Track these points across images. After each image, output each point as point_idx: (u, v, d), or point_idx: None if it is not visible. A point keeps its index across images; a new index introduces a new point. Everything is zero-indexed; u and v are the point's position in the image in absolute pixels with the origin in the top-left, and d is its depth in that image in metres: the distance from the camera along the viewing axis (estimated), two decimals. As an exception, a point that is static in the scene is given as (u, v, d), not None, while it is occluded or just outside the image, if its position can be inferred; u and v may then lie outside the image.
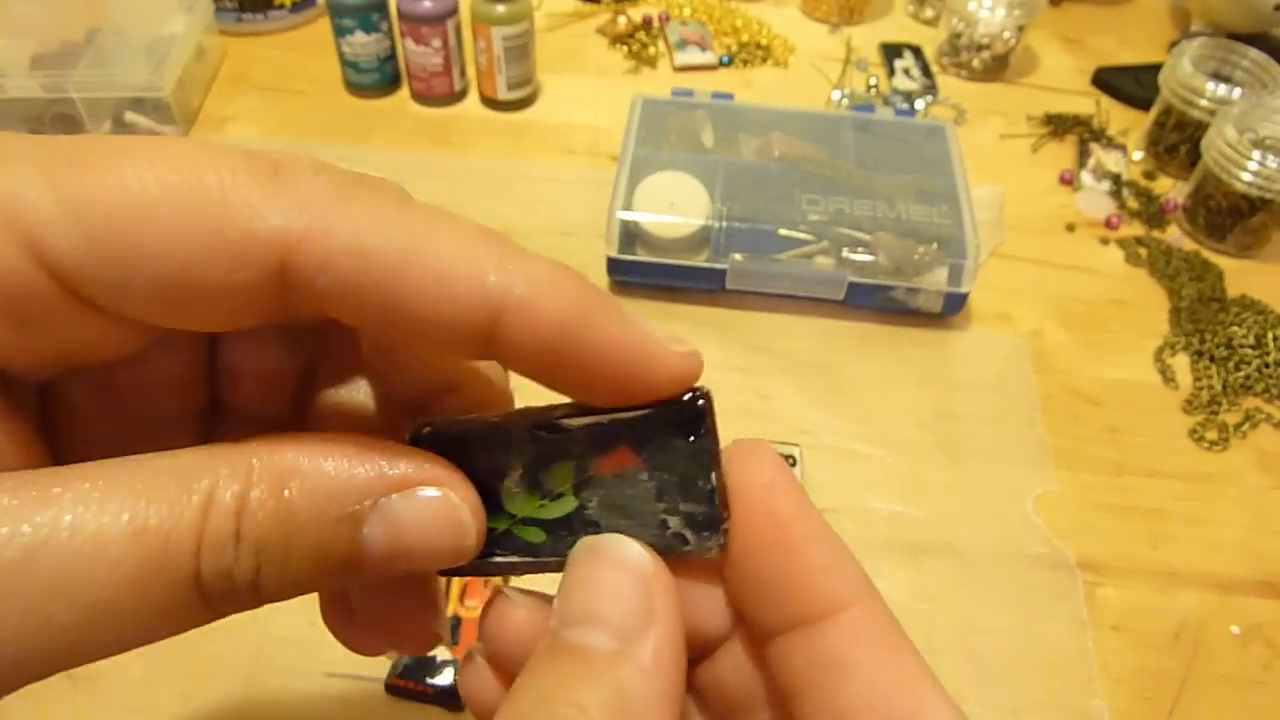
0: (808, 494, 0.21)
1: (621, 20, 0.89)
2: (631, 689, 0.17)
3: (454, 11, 0.75)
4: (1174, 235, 0.73)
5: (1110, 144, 0.80)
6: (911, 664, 0.19)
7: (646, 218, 0.61)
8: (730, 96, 0.72)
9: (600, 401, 0.20)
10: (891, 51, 0.89)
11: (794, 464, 0.54)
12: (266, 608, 0.18)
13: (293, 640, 0.46)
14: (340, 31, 0.76)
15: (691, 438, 0.19)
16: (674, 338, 0.20)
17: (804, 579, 0.20)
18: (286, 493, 0.17)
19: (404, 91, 0.81)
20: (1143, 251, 0.71)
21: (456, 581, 0.48)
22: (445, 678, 0.44)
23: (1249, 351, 0.62)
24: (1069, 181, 0.77)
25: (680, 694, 0.18)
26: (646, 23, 0.90)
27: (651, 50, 0.88)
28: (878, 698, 0.18)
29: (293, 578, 0.17)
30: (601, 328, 0.18)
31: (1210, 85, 0.74)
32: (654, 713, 0.17)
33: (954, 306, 0.62)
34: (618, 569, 0.19)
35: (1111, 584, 0.51)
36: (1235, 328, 0.63)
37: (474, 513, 0.19)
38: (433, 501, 0.18)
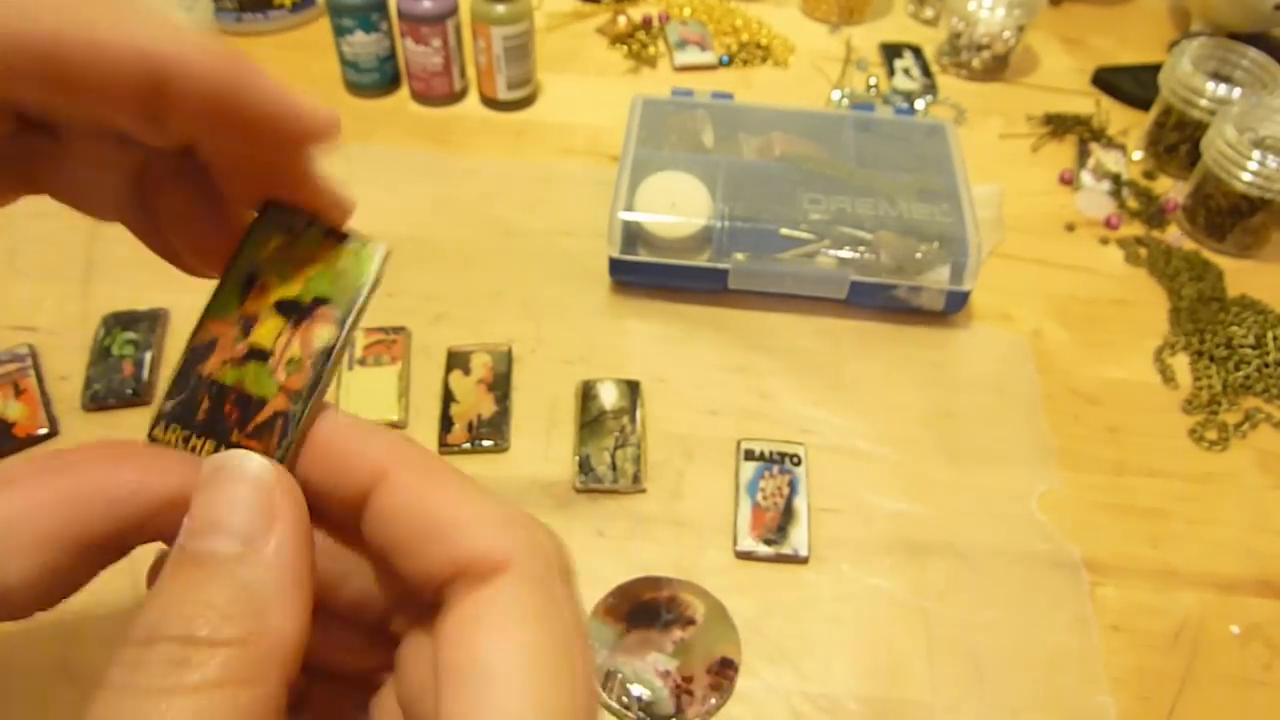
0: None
1: (621, 20, 0.89)
2: (256, 582, 0.19)
3: (454, 11, 0.75)
4: (1174, 235, 0.73)
5: (1110, 144, 0.80)
6: (450, 487, 0.21)
7: (648, 218, 0.61)
8: (730, 96, 0.72)
9: (260, 154, 0.22)
10: (891, 51, 0.89)
11: (798, 463, 0.54)
12: None
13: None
14: (340, 31, 0.76)
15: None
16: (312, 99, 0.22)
17: (345, 458, 0.22)
18: None
19: (404, 91, 0.81)
20: (1143, 251, 0.71)
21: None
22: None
23: (1249, 351, 0.62)
24: (1069, 181, 0.77)
25: (308, 583, 0.20)
26: (646, 22, 0.90)
27: (651, 50, 0.88)
28: (421, 529, 0.21)
29: None
30: (254, 82, 0.20)
31: (1210, 85, 0.74)
32: (280, 600, 0.19)
33: (956, 305, 0.62)
34: (238, 482, 0.20)
35: (1111, 583, 0.51)
36: (1235, 328, 0.64)
37: None
38: None
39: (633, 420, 0.55)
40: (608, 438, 0.55)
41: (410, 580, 0.21)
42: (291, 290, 0.23)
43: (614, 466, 0.53)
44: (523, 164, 0.74)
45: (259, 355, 0.22)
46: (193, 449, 0.22)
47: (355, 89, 0.80)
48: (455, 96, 0.80)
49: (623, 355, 0.60)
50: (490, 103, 0.79)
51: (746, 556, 0.51)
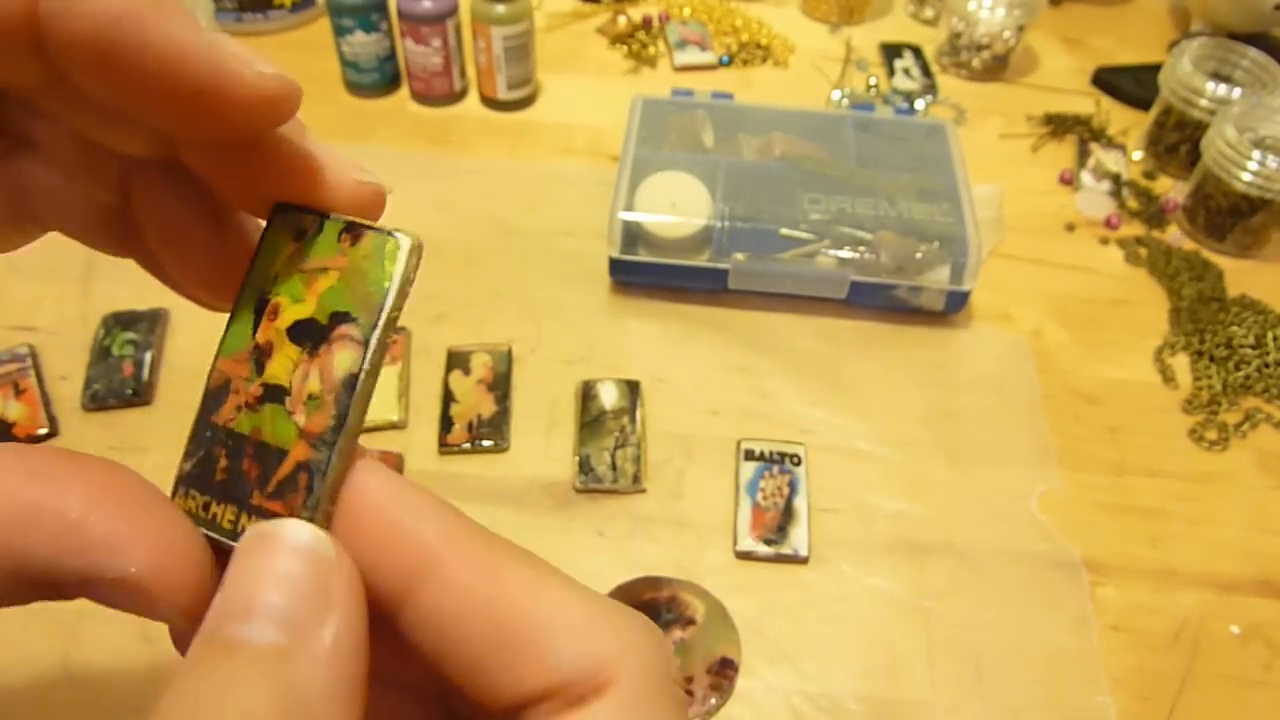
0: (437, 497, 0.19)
1: (621, 20, 0.89)
2: (304, 686, 0.15)
3: (454, 11, 0.75)
4: (1174, 235, 0.73)
5: (1110, 144, 0.80)
6: (520, 587, 0.17)
7: (648, 218, 0.61)
8: (730, 96, 0.72)
9: (179, 125, 0.18)
10: (891, 51, 0.89)
11: (798, 463, 0.54)
12: None
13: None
14: (340, 31, 0.76)
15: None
16: (259, 59, 0.17)
17: (388, 537, 0.18)
18: None
19: (404, 91, 0.81)
20: (1143, 251, 0.71)
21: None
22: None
23: (1249, 351, 0.62)
24: (1069, 181, 0.77)
25: (363, 684, 0.16)
26: (646, 23, 0.90)
27: (651, 50, 0.88)
28: (489, 636, 0.17)
29: None
30: (160, 28, 0.16)
31: (1210, 85, 0.74)
32: (334, 710, 0.15)
33: (956, 305, 0.62)
34: (287, 555, 0.16)
35: (1111, 584, 0.51)
36: (1235, 328, 0.64)
37: None
38: None
39: (633, 420, 0.55)
40: (608, 438, 0.55)
41: (473, 699, 0.17)
42: (305, 309, 0.19)
43: (614, 466, 0.53)
44: (523, 164, 0.74)
45: (275, 395, 0.19)
46: (213, 518, 0.18)
47: (355, 89, 0.80)
48: (455, 96, 0.80)
49: (623, 355, 0.60)
50: (490, 103, 0.79)
51: (746, 556, 0.51)
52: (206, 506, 0.18)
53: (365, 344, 0.18)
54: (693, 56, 0.87)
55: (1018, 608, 0.50)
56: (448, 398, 0.56)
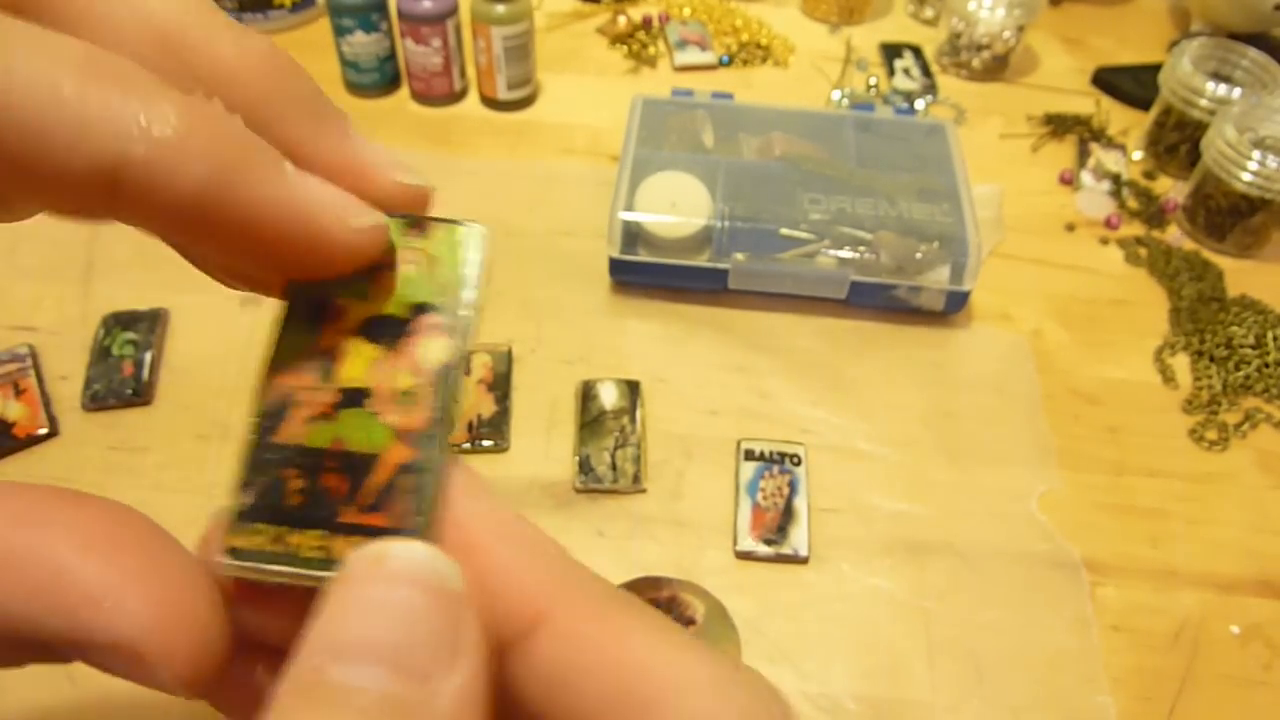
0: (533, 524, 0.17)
1: (621, 20, 0.89)
2: None
3: (454, 11, 0.75)
4: (1174, 235, 0.73)
5: (1110, 144, 0.80)
6: (642, 643, 0.15)
7: (648, 218, 0.61)
8: (730, 96, 0.72)
9: (258, 270, 0.17)
10: (891, 51, 0.89)
11: (798, 463, 0.54)
12: None
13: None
14: (340, 31, 0.76)
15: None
16: (356, 208, 0.16)
17: (506, 581, 0.16)
18: None
19: (404, 91, 0.81)
20: (1143, 251, 0.71)
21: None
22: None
23: (1249, 351, 0.62)
24: (1069, 181, 0.77)
25: None
26: (646, 23, 0.90)
27: (651, 50, 0.88)
28: (609, 695, 0.15)
29: None
30: (248, 193, 0.15)
31: (1210, 85, 0.74)
32: None
33: (956, 305, 0.62)
34: (406, 585, 0.14)
35: (1111, 584, 0.51)
36: (1235, 328, 0.64)
37: None
38: None
39: (633, 420, 0.55)
40: (608, 438, 0.55)
41: None
42: (377, 305, 0.18)
43: (614, 466, 0.53)
44: (523, 164, 0.74)
45: (355, 398, 0.17)
46: (291, 550, 0.16)
47: (355, 89, 0.80)
48: (455, 96, 0.80)
49: (623, 355, 0.60)
50: (490, 103, 0.79)
51: (746, 556, 0.51)
52: (280, 538, 0.16)
53: (454, 331, 0.17)
54: (693, 56, 0.87)
55: (1018, 608, 0.50)
56: (448, 398, 0.56)
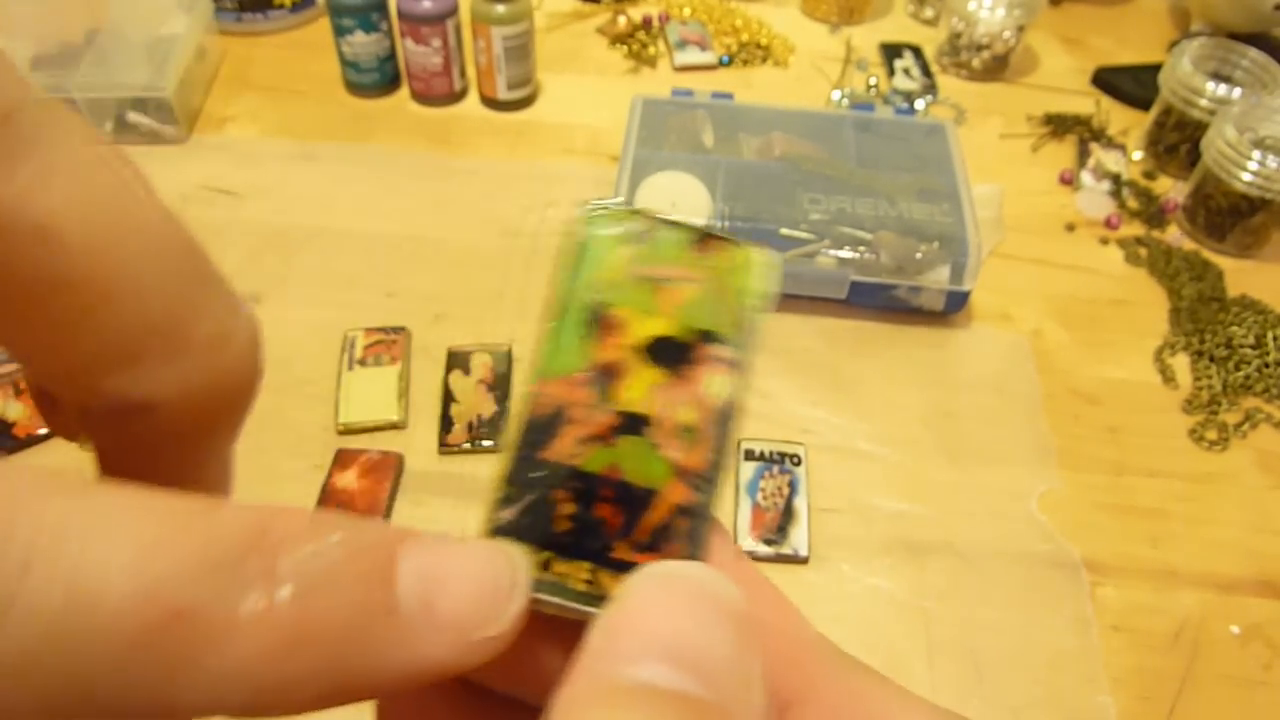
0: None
1: (621, 20, 0.89)
2: None
3: (454, 11, 0.75)
4: (1174, 235, 0.73)
5: (1110, 144, 0.80)
6: (883, 699, 0.15)
7: (647, 218, 0.61)
8: (730, 96, 0.72)
9: None
10: (891, 51, 0.89)
11: (798, 463, 0.54)
12: None
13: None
14: (340, 31, 0.76)
15: None
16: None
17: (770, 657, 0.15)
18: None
19: (404, 91, 0.81)
20: (1143, 251, 0.71)
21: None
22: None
23: (1249, 351, 0.62)
24: (1069, 181, 0.77)
25: None
26: (646, 23, 0.90)
27: (651, 50, 0.88)
28: None
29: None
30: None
31: (1210, 85, 0.74)
32: None
33: (956, 304, 0.62)
34: (697, 597, 0.13)
35: (1111, 584, 0.51)
36: (1235, 328, 0.63)
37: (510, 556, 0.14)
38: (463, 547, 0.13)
39: (633, 420, 0.55)
40: (608, 438, 0.55)
41: None
42: (661, 324, 0.16)
43: (614, 466, 0.53)
44: (523, 164, 0.74)
45: (634, 424, 0.16)
46: (558, 578, 0.15)
47: (355, 89, 0.80)
48: (455, 96, 0.80)
49: (623, 355, 0.60)
50: (490, 103, 0.79)
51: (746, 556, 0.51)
52: (547, 565, 0.15)
53: (738, 368, 0.16)
54: (693, 56, 0.87)
55: (1018, 608, 0.50)
56: (448, 398, 0.56)
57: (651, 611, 0.13)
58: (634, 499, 0.15)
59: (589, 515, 0.15)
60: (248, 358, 0.16)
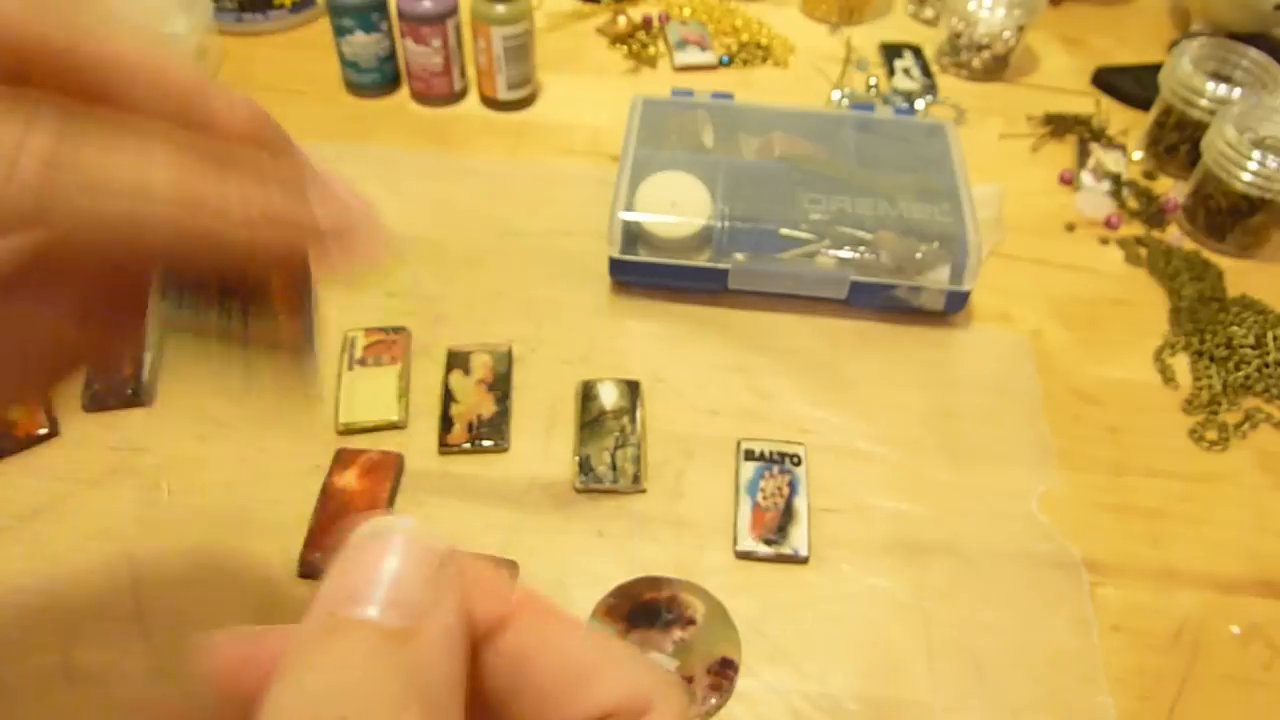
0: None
1: (621, 20, 0.89)
2: (428, 668, 0.16)
3: (454, 11, 0.75)
4: (1174, 235, 0.73)
5: (1110, 144, 0.80)
6: (581, 637, 0.20)
7: (648, 218, 0.61)
8: (730, 96, 0.72)
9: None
10: (891, 51, 0.89)
11: (798, 463, 0.54)
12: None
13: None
14: (340, 31, 0.76)
15: None
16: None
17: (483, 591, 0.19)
18: None
19: (404, 91, 0.81)
20: (1143, 251, 0.71)
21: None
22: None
23: (1249, 351, 0.62)
24: (1069, 181, 0.77)
25: (464, 685, 0.17)
26: (646, 23, 0.90)
27: (651, 50, 0.88)
28: (556, 670, 0.19)
29: None
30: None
31: (1210, 85, 0.74)
32: (448, 695, 0.16)
33: (956, 305, 0.62)
34: (406, 546, 0.17)
35: (1111, 584, 0.51)
36: (1235, 328, 0.64)
37: None
38: None
39: (633, 420, 0.55)
40: (608, 438, 0.55)
41: None
42: None
43: (614, 467, 0.53)
44: (523, 164, 0.74)
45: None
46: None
47: (355, 89, 0.80)
48: (455, 96, 0.80)
49: (623, 355, 0.60)
50: (490, 103, 0.79)
51: (746, 556, 0.51)
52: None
53: None
54: (693, 56, 0.87)
55: (1018, 608, 0.50)
56: (448, 398, 0.56)
57: (368, 561, 0.17)
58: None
59: None
60: None
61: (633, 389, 0.57)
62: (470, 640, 0.18)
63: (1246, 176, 0.67)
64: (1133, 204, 0.75)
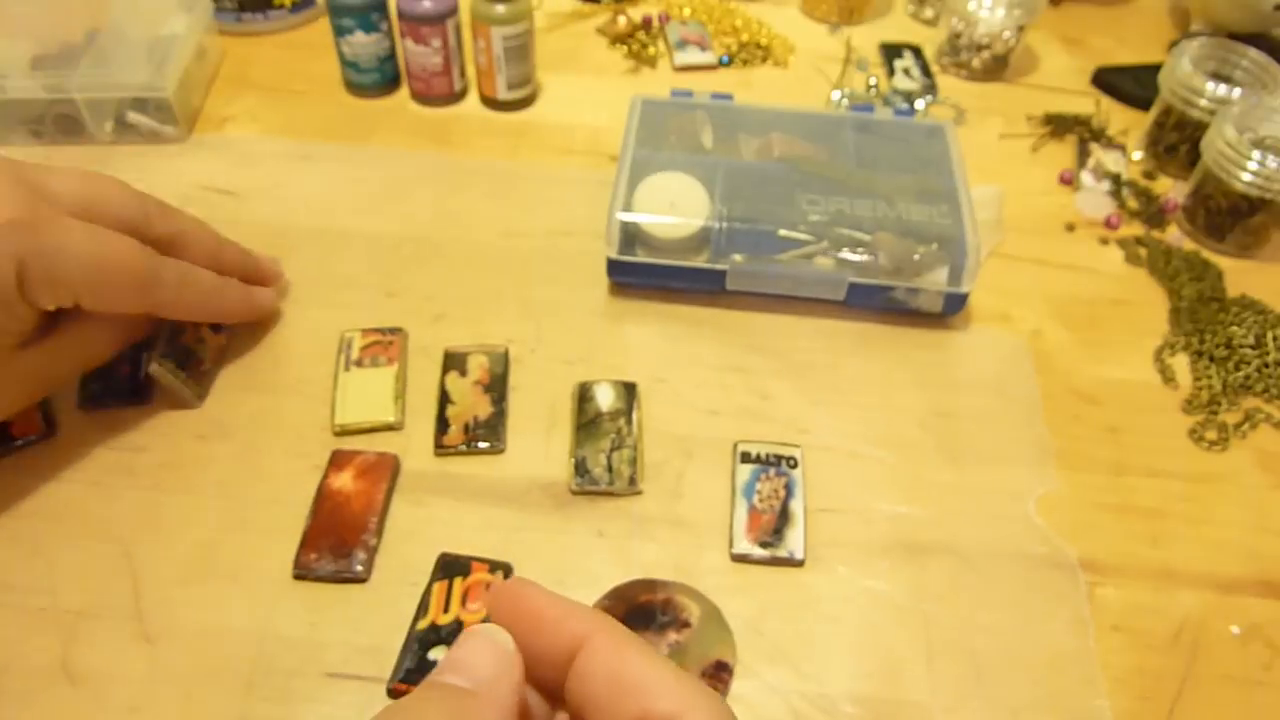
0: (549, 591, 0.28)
1: (621, 20, 0.89)
2: (469, 713, 0.25)
3: (454, 11, 0.75)
4: (1174, 235, 0.73)
5: (1110, 144, 0.80)
6: (640, 655, 0.26)
7: (646, 219, 0.61)
8: (730, 97, 0.72)
9: None
10: (891, 51, 0.89)
11: (794, 466, 0.54)
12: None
13: (293, 640, 0.46)
14: (340, 31, 0.76)
15: None
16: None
17: (555, 625, 0.27)
18: None
19: (404, 91, 0.81)
20: (1143, 251, 0.71)
21: (459, 584, 0.48)
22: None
23: (1249, 351, 0.62)
24: (1069, 181, 0.77)
25: None
26: (646, 23, 0.90)
27: (651, 50, 0.88)
28: (612, 682, 0.26)
29: None
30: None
31: (1210, 85, 0.74)
32: None
33: (954, 306, 0.62)
34: (484, 640, 0.26)
35: (1111, 584, 0.51)
36: (1235, 328, 0.63)
37: None
38: None
39: (629, 422, 0.55)
40: (604, 439, 0.55)
41: None
42: None
43: (610, 468, 0.53)
44: (522, 164, 0.74)
45: None
46: None
47: (355, 89, 0.80)
48: (455, 96, 0.80)
49: (621, 356, 0.60)
50: (490, 103, 0.79)
51: (742, 560, 0.50)
52: None
53: None
54: (693, 56, 0.87)
55: (1017, 609, 0.50)
56: (444, 399, 0.56)
57: (455, 649, 0.26)
58: None
59: None
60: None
61: (629, 390, 0.57)
62: (523, 699, 0.26)
63: (1246, 176, 0.67)
64: (1133, 204, 0.75)
